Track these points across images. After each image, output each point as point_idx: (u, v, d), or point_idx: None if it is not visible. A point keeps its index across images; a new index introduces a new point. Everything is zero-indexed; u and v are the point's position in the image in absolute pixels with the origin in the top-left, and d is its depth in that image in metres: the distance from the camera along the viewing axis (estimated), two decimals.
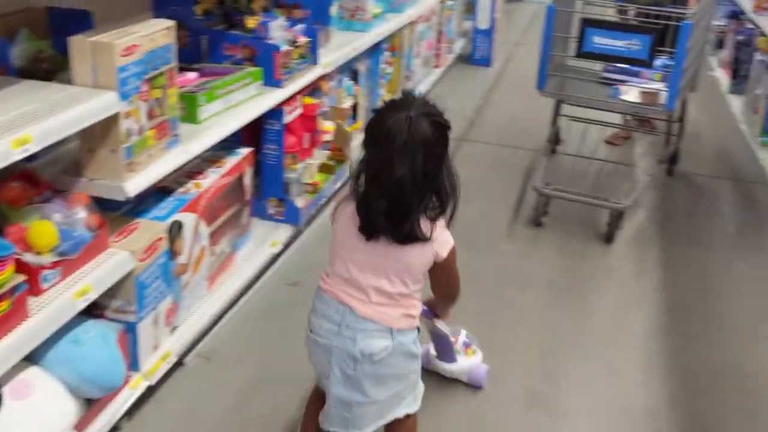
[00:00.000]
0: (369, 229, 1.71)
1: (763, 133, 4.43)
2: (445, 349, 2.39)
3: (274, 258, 3.05)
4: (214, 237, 2.56)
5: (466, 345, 2.49)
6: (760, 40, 5.03)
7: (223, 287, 2.65)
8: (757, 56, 4.88)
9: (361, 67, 4.01)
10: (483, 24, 6.47)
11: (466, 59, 6.62)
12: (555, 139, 4.23)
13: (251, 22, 2.84)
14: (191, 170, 2.49)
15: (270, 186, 3.04)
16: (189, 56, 2.82)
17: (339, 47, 3.54)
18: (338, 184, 3.58)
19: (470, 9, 6.73)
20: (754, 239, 3.73)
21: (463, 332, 2.53)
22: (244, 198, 2.77)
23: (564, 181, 3.75)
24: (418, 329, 1.84)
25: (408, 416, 1.89)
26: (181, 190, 2.37)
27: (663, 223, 3.85)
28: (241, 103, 2.65)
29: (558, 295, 3.14)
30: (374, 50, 4.12)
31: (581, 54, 3.36)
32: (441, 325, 2.23)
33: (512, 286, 3.18)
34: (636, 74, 3.64)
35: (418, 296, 1.82)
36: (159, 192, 2.32)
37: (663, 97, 3.39)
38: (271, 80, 2.82)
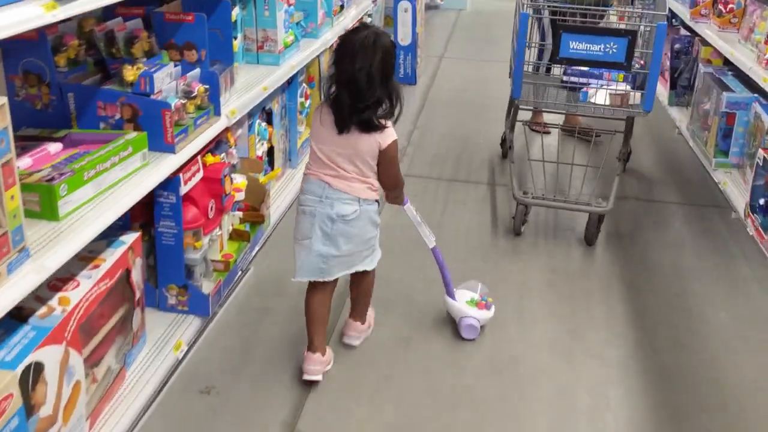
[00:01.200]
0: (341, 124, 2.33)
1: (718, 153, 4.08)
2: (445, 281, 2.84)
3: (180, 360, 2.47)
4: (95, 356, 1.97)
5: (483, 300, 2.85)
6: (703, 50, 4.71)
7: (111, 420, 2.06)
8: (701, 68, 4.55)
9: (275, 106, 3.46)
10: (405, 40, 5.99)
11: None
12: (510, 146, 4.31)
13: (131, 73, 2.25)
14: (57, 276, 1.90)
15: (168, 271, 2.46)
16: (52, 120, 2.23)
17: (246, 88, 2.98)
18: (255, 252, 3.03)
19: (390, 23, 6.24)
20: (729, 276, 3.37)
21: (478, 285, 2.93)
22: (133, 298, 2.18)
23: (535, 188, 3.76)
24: (378, 203, 2.47)
25: (367, 272, 2.56)
26: (41, 311, 1.78)
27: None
28: (122, 180, 2.06)
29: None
30: (289, 84, 3.58)
31: (558, 60, 3.35)
32: (409, 209, 2.70)
33: (512, 297, 3.10)
34: (598, 76, 3.61)
35: (375, 178, 2.43)
36: (11, 319, 1.72)
37: (634, 98, 3.46)
38: (161, 145, 2.25)
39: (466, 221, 3.83)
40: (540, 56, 4.35)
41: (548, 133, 4.84)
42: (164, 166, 2.22)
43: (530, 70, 3.90)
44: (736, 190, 3.84)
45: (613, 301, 3.13)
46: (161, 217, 2.37)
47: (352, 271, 2.49)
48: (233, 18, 3.01)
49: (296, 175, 3.77)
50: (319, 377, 2.48)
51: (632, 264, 3.44)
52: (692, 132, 4.59)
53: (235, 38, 3.13)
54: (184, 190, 2.36)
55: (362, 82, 2.27)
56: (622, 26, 3.94)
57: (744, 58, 3.91)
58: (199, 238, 2.49)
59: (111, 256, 2.04)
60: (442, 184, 4.25)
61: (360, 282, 2.62)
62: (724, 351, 2.84)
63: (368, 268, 2.53)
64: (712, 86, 4.27)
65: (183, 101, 2.34)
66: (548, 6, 4.09)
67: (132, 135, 2.13)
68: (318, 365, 2.48)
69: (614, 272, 3.37)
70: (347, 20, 4.47)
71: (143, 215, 2.42)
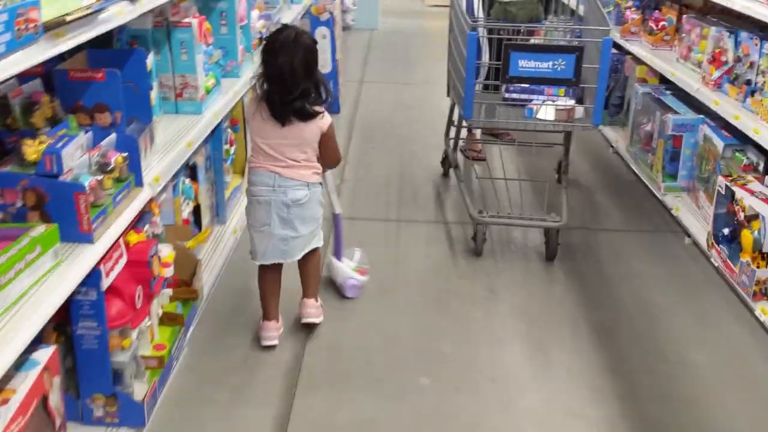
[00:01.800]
0: (279, 116, 2.58)
1: (666, 177, 3.94)
2: (338, 244, 3.17)
3: None
4: None
5: (360, 267, 3.18)
6: (638, 69, 4.59)
7: None
8: (638, 87, 4.43)
9: (199, 159, 3.08)
10: (325, 67, 5.66)
11: None
12: (454, 165, 4.29)
13: (33, 150, 1.85)
14: None
15: (92, 379, 2.06)
16: None
17: (168, 146, 2.60)
18: (189, 335, 2.64)
19: None
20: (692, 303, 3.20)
21: (358, 253, 3.24)
22: (53, 426, 1.78)
23: (487, 206, 3.77)
24: (321, 185, 2.76)
25: (315, 250, 2.82)
26: None
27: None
28: (32, 288, 1.67)
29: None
30: (212, 132, 3.21)
31: (509, 79, 3.34)
32: (329, 175, 2.99)
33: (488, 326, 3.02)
34: (539, 92, 3.62)
35: (317, 163, 2.69)
36: None
37: (578, 113, 3.49)
38: (76, 234, 1.86)
39: (423, 251, 3.67)
40: (477, 74, 4.16)
41: (483, 159, 4.67)
42: (82, 260, 1.84)
43: (478, 89, 3.96)
44: (690, 216, 3.70)
45: (587, 349, 2.90)
46: (80, 317, 1.98)
47: (309, 249, 2.78)
48: (148, 67, 2.63)
49: (226, 233, 3.40)
50: (276, 342, 2.78)
51: (596, 302, 3.24)
52: (634, 154, 4.46)
53: (151, 88, 2.75)
54: (106, 283, 1.97)
55: (287, 76, 2.54)
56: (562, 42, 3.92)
57: (687, 78, 3.78)
58: (126, 335, 2.10)
59: (23, 384, 1.64)
60: (391, 224, 3.96)
61: (309, 261, 2.85)
62: (712, 400, 2.64)
63: (318, 246, 2.84)
64: (652, 107, 4.14)
65: (99, 177, 1.96)
66: (485, 26, 4.09)
67: (39, 229, 1.73)
68: (275, 331, 2.80)
69: (580, 314, 3.15)
70: None
71: (57, 314, 2.01)
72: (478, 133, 4.84)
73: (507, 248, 3.72)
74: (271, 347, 2.77)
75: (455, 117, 4.23)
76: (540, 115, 3.51)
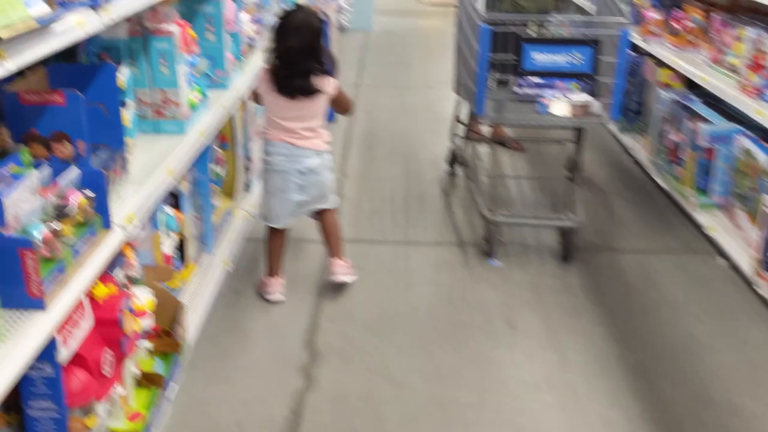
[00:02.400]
0: (288, 91, 2.83)
1: (700, 192, 3.60)
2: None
3: None
4: None
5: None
6: (660, 72, 4.24)
7: None
8: (661, 93, 4.08)
9: (183, 185, 2.72)
10: None
11: None
12: (463, 161, 4.20)
13: None
14: None
15: None
16: None
17: (145, 174, 2.23)
18: (171, 392, 2.28)
19: None
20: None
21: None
22: None
23: (500, 205, 3.65)
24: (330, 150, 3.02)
25: (331, 212, 3.08)
26: None
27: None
28: None
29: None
30: (200, 154, 2.85)
31: (522, 72, 3.25)
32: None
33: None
34: (551, 86, 3.43)
35: (324, 129, 2.97)
36: None
37: (595, 108, 3.28)
38: (23, 299, 1.50)
39: (432, 275, 3.38)
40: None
41: (486, 141, 4.46)
42: (31, 333, 1.47)
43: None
44: (727, 236, 3.36)
45: (624, 396, 2.55)
46: (32, 396, 1.62)
47: (318, 207, 3.02)
48: (121, 83, 2.27)
49: (214, 263, 3.04)
50: (283, 298, 3.01)
51: (628, 337, 2.89)
52: (658, 165, 4.11)
53: (124, 105, 2.38)
54: (65, 354, 1.61)
55: (294, 57, 2.78)
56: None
57: (721, 84, 3.43)
58: (91, 411, 1.74)
59: None
60: (398, 246, 3.60)
61: (326, 221, 3.06)
62: None
63: (331, 207, 3.05)
64: (680, 115, 3.79)
65: (55, 226, 1.60)
66: (494, 19, 3.78)
67: None
68: (281, 287, 3.04)
69: (612, 351, 2.81)
70: (258, 59, 3.76)
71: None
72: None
73: (522, 262, 3.42)
74: (279, 302, 3.02)
75: (462, 114, 4.20)
76: (554, 111, 3.33)
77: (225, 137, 3.25)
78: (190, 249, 2.79)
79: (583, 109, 3.29)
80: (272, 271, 3.05)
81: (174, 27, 2.51)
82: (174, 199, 2.65)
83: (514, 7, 4.40)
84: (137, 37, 2.48)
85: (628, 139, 4.70)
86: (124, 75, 2.31)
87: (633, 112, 4.66)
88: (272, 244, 3.03)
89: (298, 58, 2.79)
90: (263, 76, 2.90)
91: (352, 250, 3.34)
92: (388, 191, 4.26)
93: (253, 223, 3.54)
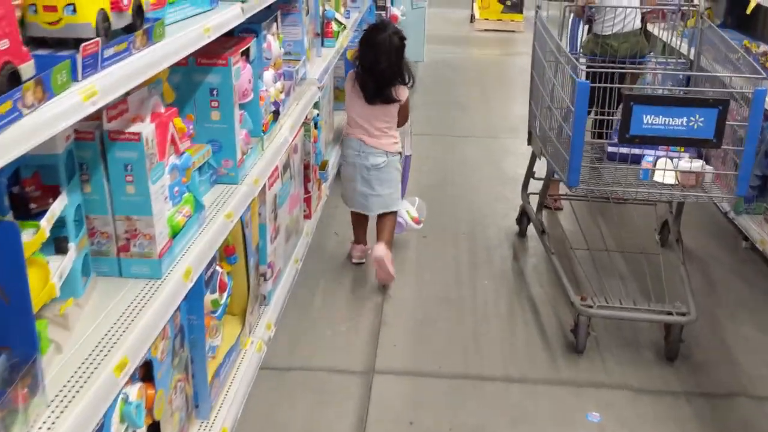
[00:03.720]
0: (369, 98, 3.28)
1: None
2: (403, 183, 3.63)
3: None
4: None
5: (416, 217, 3.58)
6: None
7: None
8: None
9: (156, 350, 1.88)
10: None
11: None
12: (539, 228, 3.58)
13: None
14: None
15: None
16: None
17: (86, 369, 1.41)
18: None
19: (342, 97, 4.76)
20: None
21: (418, 202, 3.66)
22: None
23: (589, 288, 3.09)
24: (400, 155, 3.43)
25: (393, 212, 3.42)
26: None
27: None
28: None
29: None
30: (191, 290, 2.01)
31: (629, 139, 2.65)
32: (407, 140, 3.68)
33: None
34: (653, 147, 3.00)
35: (396, 132, 3.36)
36: None
37: (708, 176, 2.93)
38: None
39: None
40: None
41: (560, 209, 4.09)
42: None
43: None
44: None
45: None
46: None
47: (388, 210, 3.39)
48: (59, 212, 1.45)
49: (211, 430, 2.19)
50: (364, 260, 3.51)
51: None
52: None
53: (68, 242, 1.56)
54: None
55: (377, 69, 3.25)
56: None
57: None
58: None
59: None
60: (461, 383, 2.73)
61: (385, 219, 3.40)
62: None
63: (396, 209, 3.42)
64: None
65: None
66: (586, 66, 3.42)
67: None
68: (362, 252, 3.53)
69: None
70: (285, 131, 2.94)
71: None
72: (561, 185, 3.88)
73: (618, 359, 2.52)
74: (360, 264, 3.49)
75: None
76: (660, 179, 2.88)
77: (232, 248, 2.42)
78: (169, 429, 1.95)
79: (696, 180, 2.87)
80: (356, 239, 3.56)
81: (145, 127, 1.68)
82: (145, 369, 1.81)
83: (602, 48, 3.53)
84: (90, 142, 1.65)
85: (745, 221, 3.76)
86: (60, 205, 1.49)
87: (753, 188, 3.72)
88: (353, 219, 3.56)
89: (383, 72, 3.23)
90: (351, 77, 3.34)
91: (400, 387, 2.48)
92: (438, 292, 3.39)
93: (271, 351, 2.72)
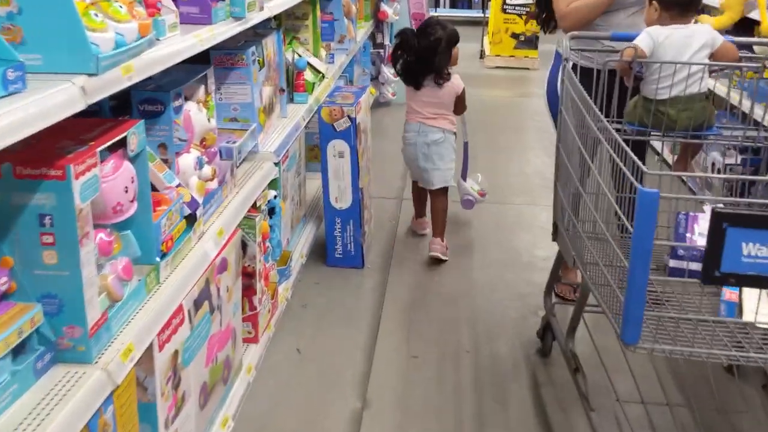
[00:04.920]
0: (415, 85, 3.77)
1: None
2: (465, 166, 4.14)
3: None
4: None
5: (481, 190, 4.16)
6: None
7: None
8: None
9: None
10: (340, 201, 3.60)
11: (318, 257, 3.71)
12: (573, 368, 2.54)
13: None
14: None
15: None
16: None
17: None
18: None
19: (315, 156, 3.91)
20: None
21: (479, 177, 4.22)
22: None
23: None
24: (455, 134, 3.85)
25: (440, 197, 3.84)
26: None
27: None
28: None
29: None
30: None
31: (718, 278, 1.73)
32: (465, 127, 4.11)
33: None
34: None
35: (452, 115, 3.82)
36: None
37: None
38: None
39: None
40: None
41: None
42: None
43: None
44: None
45: None
46: None
47: (447, 184, 3.81)
48: None
49: None
50: (426, 231, 4.03)
51: None
52: None
53: None
54: None
55: (424, 56, 3.72)
56: None
57: None
58: None
59: None
60: None
61: (436, 201, 3.83)
62: None
63: (448, 185, 3.83)
64: None
65: None
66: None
67: None
68: (424, 224, 4.06)
69: None
70: (208, 242, 2.05)
71: None
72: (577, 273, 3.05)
73: None
74: (423, 235, 3.99)
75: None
76: (753, 317, 1.97)
77: None
78: None
79: None
80: (417, 213, 4.09)
81: None
82: None
83: (656, 118, 2.60)
84: None
85: None
86: None
87: None
88: (414, 192, 4.08)
89: (420, 62, 3.74)
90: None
91: None
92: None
93: None
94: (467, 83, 3.89)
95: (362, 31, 5.61)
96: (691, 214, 2.50)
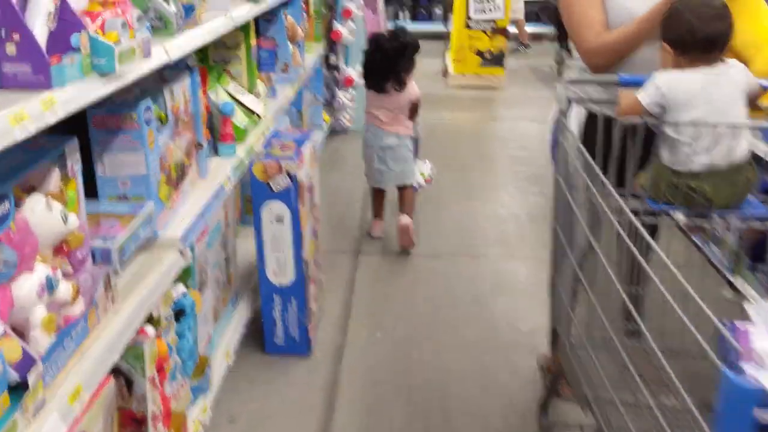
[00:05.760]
0: (377, 88, 3.97)
1: None
2: (415, 151, 4.13)
3: None
4: None
5: (429, 174, 4.24)
6: None
7: None
8: None
9: None
10: (279, 276, 2.91)
11: (254, 343, 3.02)
12: None
13: None
14: None
15: None
16: None
17: None
18: None
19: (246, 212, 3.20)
20: None
21: (428, 164, 4.27)
22: None
23: None
24: (411, 137, 4.02)
25: (408, 188, 4.02)
26: None
27: None
28: None
29: None
30: None
31: None
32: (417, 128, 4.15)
33: None
34: None
35: (408, 120, 4.00)
36: None
37: None
38: None
39: None
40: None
41: None
42: None
43: None
44: None
45: None
46: None
47: (401, 182, 4.00)
48: None
49: None
50: (381, 234, 4.10)
51: None
52: None
53: None
54: None
55: (385, 62, 3.95)
56: None
57: None
58: None
59: None
60: None
61: (404, 192, 4.02)
62: None
63: (411, 183, 4.03)
64: None
65: None
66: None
67: None
68: (381, 227, 4.14)
69: None
70: (58, 403, 1.34)
71: None
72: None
73: None
74: (379, 238, 4.07)
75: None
76: None
77: None
78: None
79: None
80: (375, 214, 4.17)
81: None
82: None
83: (686, 197, 1.96)
84: None
85: None
86: None
87: None
88: (373, 196, 4.17)
89: (388, 64, 3.93)
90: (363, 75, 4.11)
91: None
92: None
93: None
94: (430, 105, 3.63)
95: (312, 55, 4.93)
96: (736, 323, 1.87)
